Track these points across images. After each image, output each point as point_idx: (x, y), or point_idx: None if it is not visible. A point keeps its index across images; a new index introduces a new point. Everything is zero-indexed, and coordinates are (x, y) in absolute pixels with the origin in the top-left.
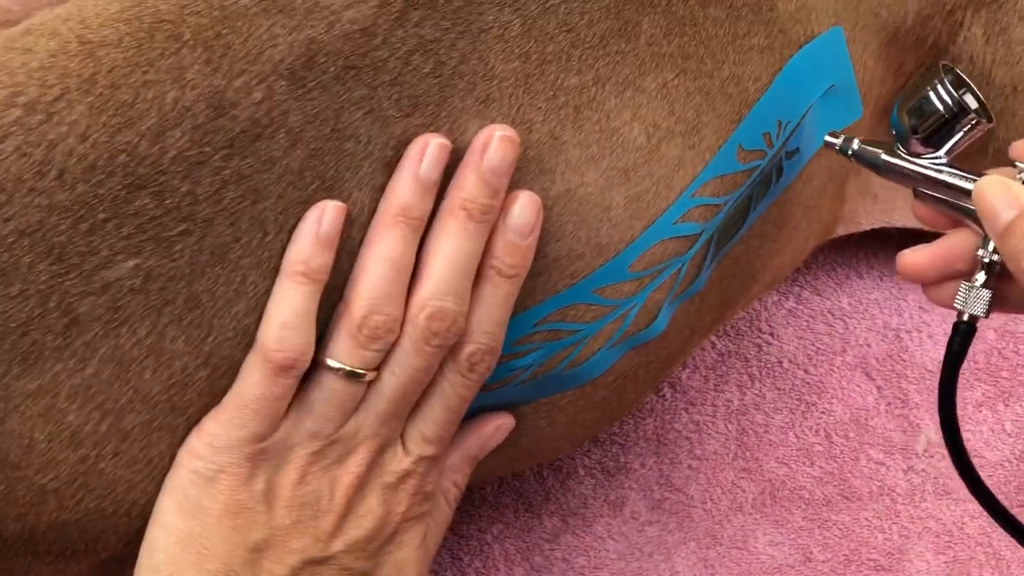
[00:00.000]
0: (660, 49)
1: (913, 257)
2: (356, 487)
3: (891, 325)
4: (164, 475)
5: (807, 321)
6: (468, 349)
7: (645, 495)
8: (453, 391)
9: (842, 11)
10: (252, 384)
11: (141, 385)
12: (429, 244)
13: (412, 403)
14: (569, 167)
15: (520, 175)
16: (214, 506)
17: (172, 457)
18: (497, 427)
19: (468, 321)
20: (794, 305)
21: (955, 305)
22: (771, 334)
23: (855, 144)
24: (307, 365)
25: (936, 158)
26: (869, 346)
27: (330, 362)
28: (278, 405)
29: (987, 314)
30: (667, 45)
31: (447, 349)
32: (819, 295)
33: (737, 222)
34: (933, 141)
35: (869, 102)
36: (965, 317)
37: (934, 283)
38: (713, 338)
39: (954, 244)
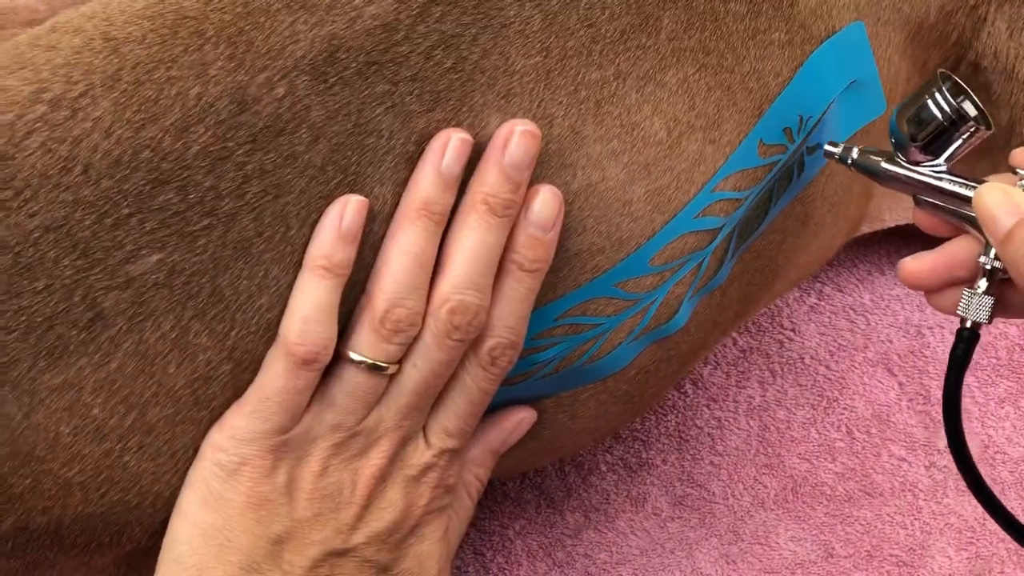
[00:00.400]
0: (681, 44)
1: (914, 264)
2: (378, 479)
3: (913, 321)
4: (188, 467)
5: (829, 317)
6: (490, 343)
7: (667, 491)
8: (475, 385)
9: (864, 6)
10: (274, 377)
11: (165, 379)
12: (451, 238)
13: (434, 396)
14: (590, 162)
15: (541, 169)
16: (236, 498)
17: (196, 450)
18: (519, 421)
19: (490, 315)
20: (816, 301)
21: (958, 312)
22: (793, 330)
23: (854, 153)
24: (329, 358)
25: (936, 166)
26: (891, 342)
27: (352, 355)
28: (300, 398)
29: (990, 320)
30: (688, 40)
31: (469, 343)
32: (841, 291)
33: (758, 216)
34: (932, 149)
35: (895, 98)
36: (968, 324)
37: (936, 290)
38: (735, 334)
39: (955, 251)
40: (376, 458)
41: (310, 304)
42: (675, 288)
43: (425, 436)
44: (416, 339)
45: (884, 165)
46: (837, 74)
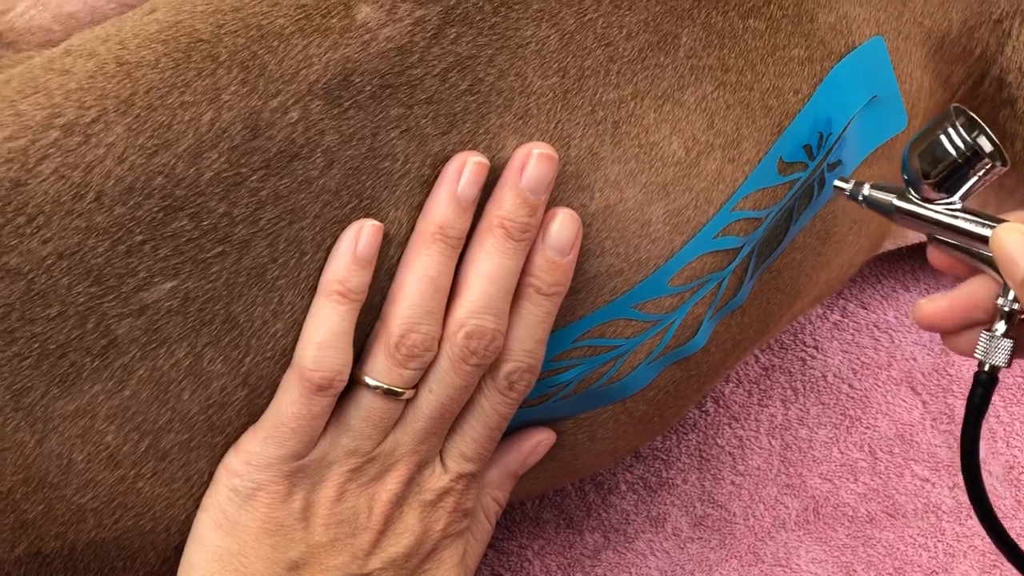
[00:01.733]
0: (699, 62)
1: (930, 307)
2: (394, 504)
3: (937, 339)
4: (202, 493)
5: (852, 335)
6: (507, 367)
7: (687, 511)
8: (492, 409)
9: (884, 21)
10: (290, 403)
11: (179, 406)
12: (467, 262)
13: (451, 421)
14: (608, 183)
15: (559, 191)
16: (252, 523)
17: (210, 475)
18: (537, 443)
19: (507, 339)
20: (839, 318)
21: (975, 355)
22: (816, 348)
23: (865, 189)
24: (344, 384)
25: (950, 203)
26: (915, 360)
27: (368, 380)
28: (316, 423)
29: (1009, 364)
30: (706, 58)
31: (486, 367)
32: (865, 308)
33: (779, 235)
34: (947, 186)
35: (917, 114)
36: (986, 367)
37: (953, 332)
38: (757, 352)
39: (972, 292)
40: (392, 483)
41: (325, 329)
42: (694, 309)
43: (442, 460)
44: (433, 363)
45: (896, 203)
46: (857, 90)
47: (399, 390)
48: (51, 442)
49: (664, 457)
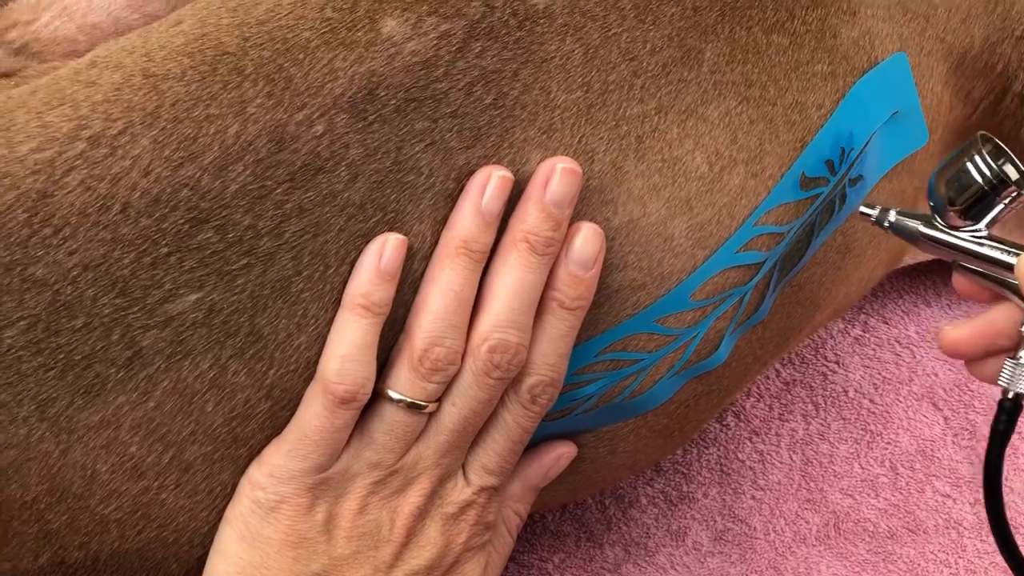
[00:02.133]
0: (723, 77)
1: (954, 333)
2: (416, 517)
3: None
4: (225, 504)
5: (873, 350)
6: (530, 381)
7: (708, 525)
8: (515, 422)
9: (907, 37)
10: (313, 416)
11: (203, 417)
12: (491, 276)
13: (473, 434)
14: (631, 197)
15: (582, 205)
16: (275, 536)
17: (234, 487)
18: (559, 456)
19: (530, 353)
20: (860, 333)
21: (999, 383)
22: (837, 363)
23: (891, 215)
24: (367, 397)
25: (976, 231)
26: (936, 376)
27: (391, 393)
28: (339, 436)
29: None
30: (730, 73)
31: (509, 381)
32: (886, 323)
33: (800, 250)
34: (972, 214)
35: (937, 128)
36: (1010, 395)
37: (977, 359)
38: (778, 366)
39: (996, 319)
40: (415, 496)
41: (349, 343)
42: (716, 323)
43: (464, 474)
44: (456, 377)
45: (922, 229)
46: (879, 105)
47: (422, 403)
48: (75, 452)
49: (685, 471)
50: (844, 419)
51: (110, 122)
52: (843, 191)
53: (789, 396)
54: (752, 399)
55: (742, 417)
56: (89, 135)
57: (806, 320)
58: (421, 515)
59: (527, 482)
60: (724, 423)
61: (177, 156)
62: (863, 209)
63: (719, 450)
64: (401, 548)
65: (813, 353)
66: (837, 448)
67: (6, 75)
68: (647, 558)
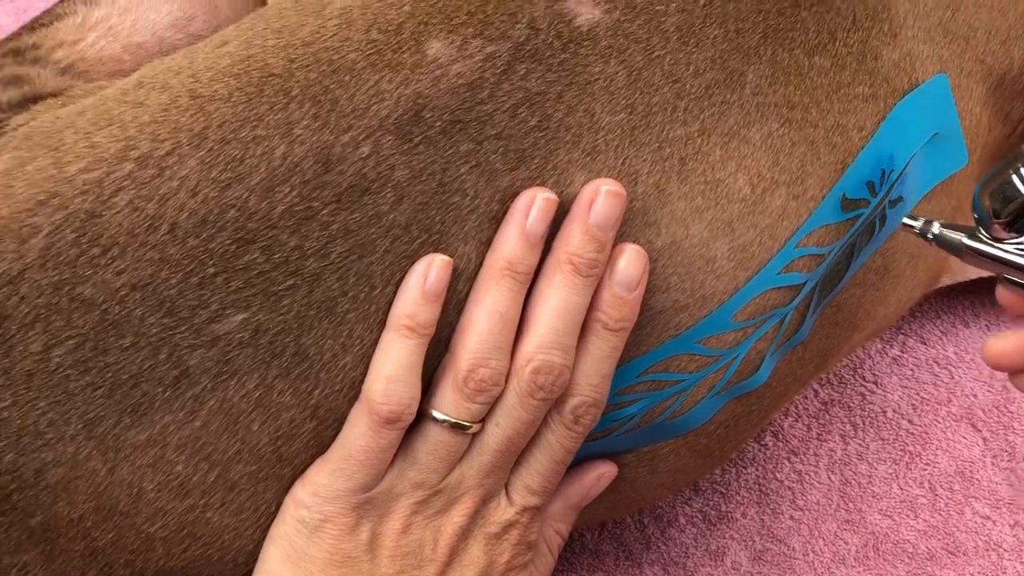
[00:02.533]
0: (765, 99)
1: (999, 345)
2: (459, 537)
3: (997, 375)
4: (270, 523)
5: (912, 370)
6: (573, 402)
7: (746, 545)
8: (558, 443)
9: (947, 59)
10: (358, 436)
11: (249, 437)
12: (535, 297)
13: (516, 455)
14: (674, 219)
15: (625, 227)
16: (319, 555)
17: (278, 505)
18: (599, 476)
19: (573, 374)
20: (898, 354)
21: None
22: (875, 383)
23: (935, 228)
24: (412, 418)
25: (1020, 243)
26: (975, 396)
27: (436, 414)
28: (383, 456)
29: None
30: (772, 95)
31: (552, 402)
32: (924, 344)
33: (840, 271)
34: (1017, 226)
35: (976, 149)
36: None
37: (1020, 372)
38: (816, 386)
39: None
40: (458, 515)
41: (394, 364)
42: (757, 344)
43: (507, 493)
44: (500, 398)
45: (967, 242)
46: (920, 127)
47: (466, 424)
48: (122, 471)
49: (723, 491)
50: (883, 439)
51: (158, 143)
52: (883, 212)
53: (827, 416)
54: (790, 419)
55: (780, 437)
56: (137, 156)
57: (845, 340)
58: (464, 535)
59: (568, 501)
60: (762, 443)
61: (224, 177)
62: (907, 221)
63: (757, 470)
64: (444, 568)
65: (851, 373)
66: (876, 469)
67: (53, 94)
68: None
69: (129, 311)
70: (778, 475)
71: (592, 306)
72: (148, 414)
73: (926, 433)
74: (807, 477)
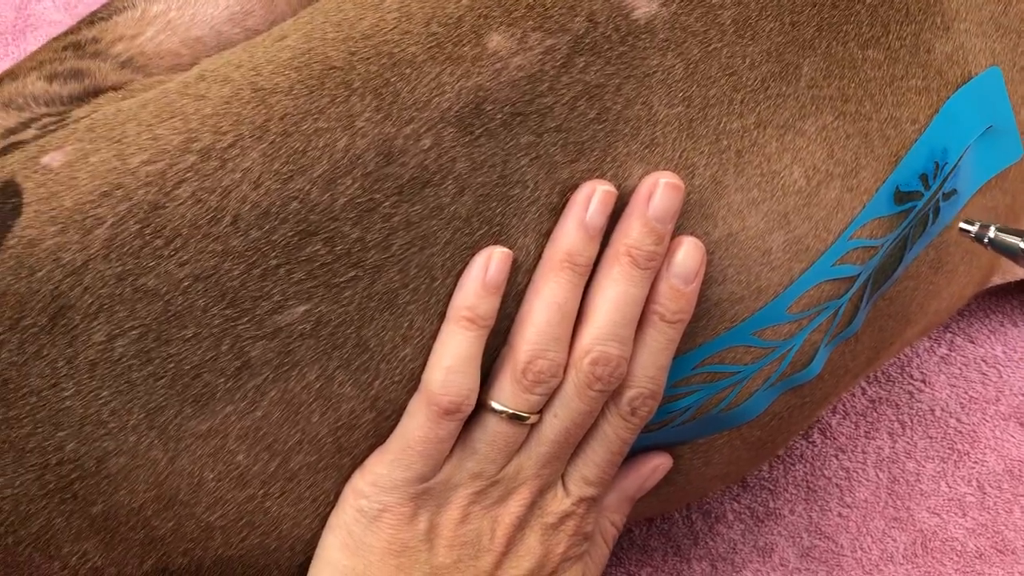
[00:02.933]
0: (820, 92)
1: None
2: (516, 527)
3: None
4: (328, 512)
5: (960, 369)
6: (630, 393)
7: (794, 542)
8: (615, 434)
9: (1000, 52)
10: (417, 426)
11: (309, 427)
12: (594, 289)
13: (574, 446)
14: (731, 211)
15: (683, 219)
16: (377, 544)
17: (337, 495)
18: (655, 468)
19: (631, 365)
20: (947, 352)
21: None
22: (923, 381)
23: (991, 232)
24: (471, 408)
25: None
26: None
27: (494, 405)
28: (442, 447)
29: None
30: (827, 88)
31: (609, 393)
32: (972, 343)
33: (893, 264)
34: None
35: None
36: None
37: None
38: (864, 384)
39: None
40: (515, 506)
41: (453, 355)
42: (811, 336)
43: (564, 484)
44: (558, 389)
45: (1023, 246)
46: (973, 120)
47: (524, 415)
48: (183, 460)
49: (771, 487)
50: (930, 438)
51: (220, 135)
52: (936, 205)
53: (875, 414)
54: (838, 416)
55: (828, 434)
56: (199, 148)
57: (897, 334)
58: (521, 525)
59: (623, 493)
60: (810, 440)
61: (287, 169)
62: (963, 225)
63: (805, 467)
64: (501, 557)
65: (899, 371)
66: (924, 467)
67: (113, 88)
68: (733, 573)
69: (192, 302)
70: (826, 472)
71: (650, 299)
72: (209, 404)
73: (974, 432)
74: (855, 474)
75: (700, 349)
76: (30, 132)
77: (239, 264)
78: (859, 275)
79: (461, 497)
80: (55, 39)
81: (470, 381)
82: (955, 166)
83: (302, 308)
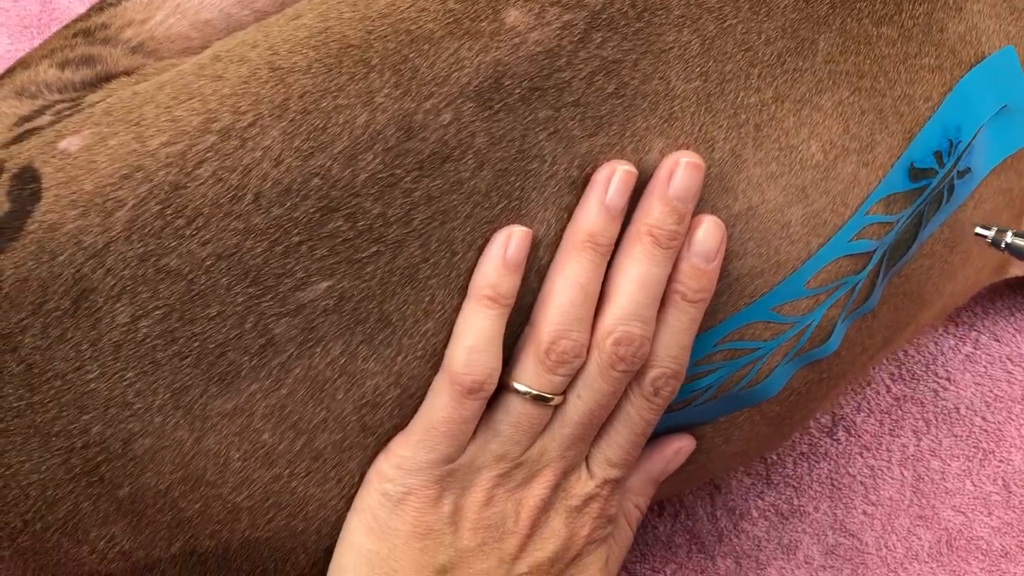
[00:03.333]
0: (836, 67)
1: None
2: (541, 509)
3: None
4: (353, 494)
5: (985, 367)
6: (653, 373)
7: (819, 540)
8: (638, 415)
9: (1014, 33)
10: (440, 407)
11: (334, 405)
12: (616, 269)
13: (597, 427)
14: (750, 185)
15: (703, 192)
16: (402, 527)
17: (362, 475)
18: (678, 450)
19: (653, 346)
20: (972, 350)
21: None
22: (948, 379)
23: (1008, 236)
24: (494, 388)
25: None
26: None
27: (517, 386)
28: (466, 427)
29: None
30: (843, 63)
31: (633, 374)
32: (998, 341)
33: (908, 240)
34: None
35: None
36: None
37: None
38: (888, 382)
39: None
40: (539, 488)
41: (475, 334)
42: (829, 311)
43: (588, 467)
44: (581, 370)
45: None
46: (987, 99)
47: (548, 396)
48: (209, 440)
49: (796, 485)
50: (956, 436)
51: (239, 115)
52: (951, 183)
53: (900, 412)
54: (863, 414)
55: (853, 432)
56: (219, 128)
57: (913, 314)
58: (546, 507)
59: (648, 475)
60: (835, 438)
61: (307, 146)
62: (979, 231)
63: (830, 464)
64: (526, 540)
65: (924, 369)
66: (949, 465)
67: (126, 73)
68: (758, 571)
69: (215, 281)
70: (850, 470)
71: (671, 278)
72: (235, 383)
73: (999, 430)
74: (880, 472)
75: (720, 326)
76: (45, 119)
77: (261, 242)
78: (875, 251)
79: (485, 480)
80: (65, 27)
81: (493, 360)
82: (969, 144)
83: (325, 284)
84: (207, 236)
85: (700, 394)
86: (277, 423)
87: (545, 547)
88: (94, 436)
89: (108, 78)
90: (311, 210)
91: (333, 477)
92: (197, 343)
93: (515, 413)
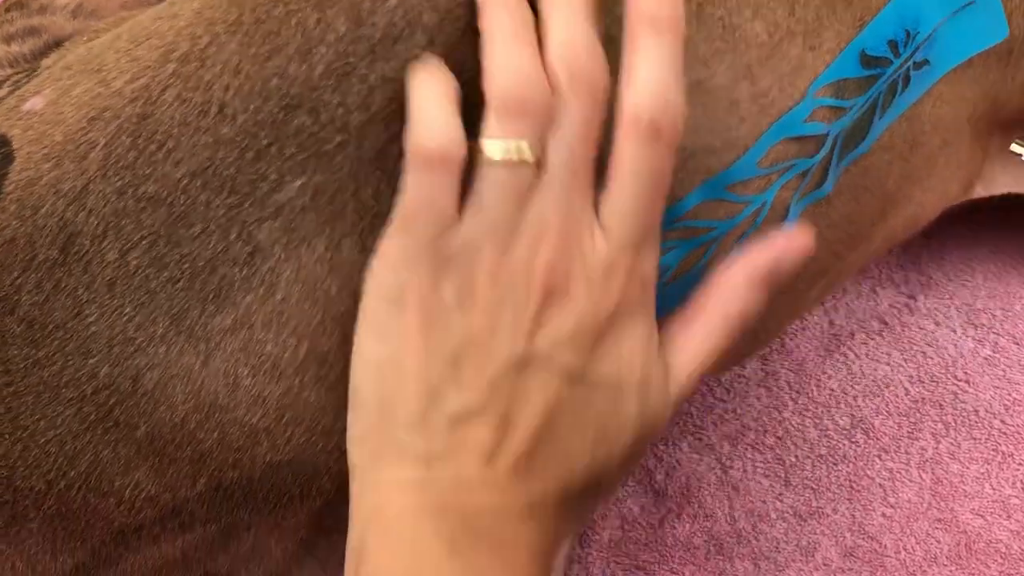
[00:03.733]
0: None
1: None
2: (552, 275)
3: None
4: None
5: (1004, 370)
6: (646, 113)
7: (837, 542)
8: (645, 167)
9: None
10: (414, 190)
11: (329, 304)
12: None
13: (590, 176)
14: (696, 59)
15: None
16: (407, 323)
17: None
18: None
19: (632, 85)
20: (991, 353)
21: None
22: (967, 382)
23: None
24: (463, 155)
25: None
26: None
27: (486, 143)
28: (445, 203)
29: None
30: None
31: (603, 101)
32: (1017, 344)
33: (863, 128)
34: None
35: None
36: None
37: None
38: (907, 384)
39: None
40: (546, 251)
41: (425, 104)
42: (781, 192)
43: (601, 226)
44: (551, 121)
45: None
46: None
47: (523, 151)
48: (216, 361)
49: (814, 487)
50: (975, 439)
51: (196, 40)
52: (907, 73)
53: (918, 414)
54: (881, 416)
55: (871, 434)
56: (178, 55)
57: (877, 214)
58: (558, 273)
59: (753, 267)
60: (853, 440)
61: (264, 51)
62: (1014, 148)
63: (848, 467)
64: (539, 311)
65: (943, 372)
66: (968, 468)
67: (73, 36)
68: (777, 573)
69: (194, 199)
70: (869, 472)
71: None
72: (230, 296)
73: (1019, 433)
74: (898, 475)
75: (678, 205)
76: (3, 91)
77: (232, 151)
78: (827, 134)
79: (485, 259)
80: None
81: (450, 122)
82: (928, 37)
83: (298, 182)
84: (179, 156)
85: (660, 274)
86: (278, 331)
87: (565, 317)
88: (103, 379)
89: (57, 44)
90: (274, 110)
91: (342, 381)
92: (187, 264)
93: (493, 180)
